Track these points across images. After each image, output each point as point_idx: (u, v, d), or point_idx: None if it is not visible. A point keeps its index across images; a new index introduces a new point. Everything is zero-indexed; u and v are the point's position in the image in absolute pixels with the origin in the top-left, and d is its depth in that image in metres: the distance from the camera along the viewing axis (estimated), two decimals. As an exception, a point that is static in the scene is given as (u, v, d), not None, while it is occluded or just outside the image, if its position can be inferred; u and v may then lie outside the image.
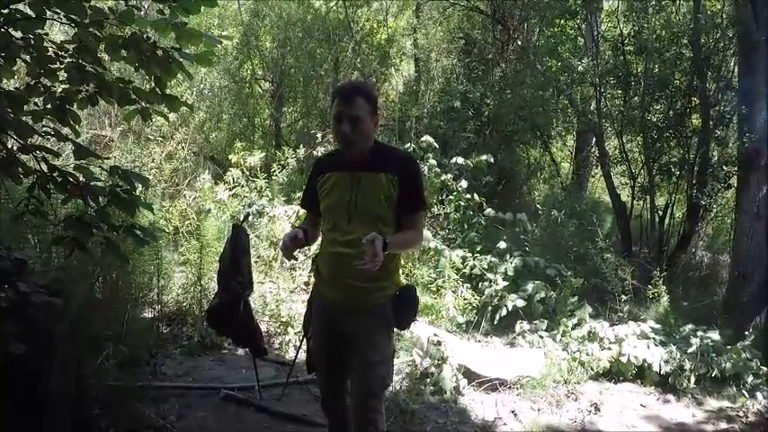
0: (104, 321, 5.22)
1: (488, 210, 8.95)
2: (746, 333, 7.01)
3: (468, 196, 8.87)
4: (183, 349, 6.23)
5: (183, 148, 9.98)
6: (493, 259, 8.05)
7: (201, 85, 12.31)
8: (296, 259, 3.55)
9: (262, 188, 8.81)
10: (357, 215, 3.25)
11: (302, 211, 8.18)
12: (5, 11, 3.48)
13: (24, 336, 3.75)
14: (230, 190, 8.70)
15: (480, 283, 7.85)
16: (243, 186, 8.81)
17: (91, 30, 3.58)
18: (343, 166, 3.33)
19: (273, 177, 9.44)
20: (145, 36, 3.65)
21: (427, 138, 9.27)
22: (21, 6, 3.55)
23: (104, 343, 5.05)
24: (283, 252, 3.36)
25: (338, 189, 3.33)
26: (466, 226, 8.89)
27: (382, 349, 3.40)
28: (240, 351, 6.21)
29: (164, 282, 6.72)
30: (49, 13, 3.54)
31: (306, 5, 14.07)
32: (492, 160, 9.66)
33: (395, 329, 3.55)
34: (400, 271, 3.60)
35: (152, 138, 9.87)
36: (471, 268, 7.96)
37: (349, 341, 3.39)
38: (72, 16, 3.50)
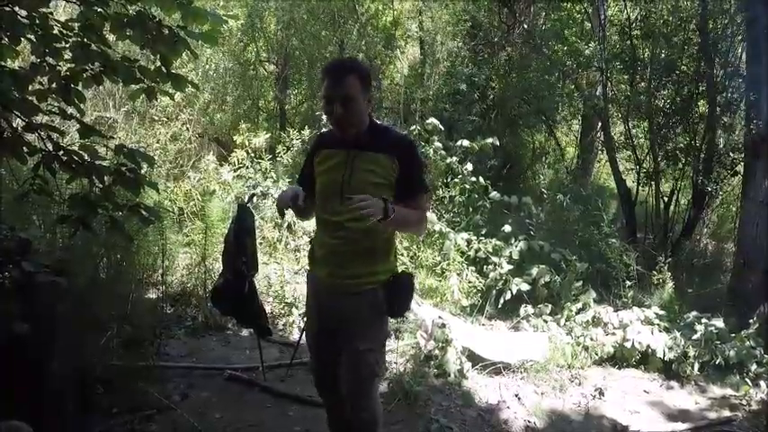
0: (109, 301, 5.22)
1: (494, 193, 8.93)
2: (751, 321, 6.97)
3: (474, 179, 8.84)
4: (187, 330, 6.26)
5: (187, 129, 9.95)
6: (498, 243, 8.02)
7: (206, 66, 12.23)
8: (282, 216, 3.49)
9: (267, 169, 8.78)
10: (350, 195, 3.11)
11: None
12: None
13: (29, 315, 3.73)
14: (235, 171, 8.67)
15: (485, 267, 7.83)
16: (248, 168, 8.78)
17: (96, 8, 3.55)
18: (339, 145, 3.25)
19: (278, 159, 9.42)
20: (150, 15, 3.62)
21: (432, 120, 9.23)
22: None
23: (109, 323, 5.05)
24: (278, 204, 3.27)
25: (333, 168, 3.26)
26: (471, 209, 8.87)
27: (372, 337, 3.35)
28: (244, 332, 6.23)
29: (168, 262, 6.70)
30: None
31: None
32: (497, 144, 9.63)
33: (388, 317, 3.48)
34: (395, 257, 3.52)
35: (157, 119, 9.85)
36: (476, 251, 7.93)
37: (339, 325, 3.35)
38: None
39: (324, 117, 9.26)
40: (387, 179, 3.19)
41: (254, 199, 7.80)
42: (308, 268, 3.65)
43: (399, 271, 3.47)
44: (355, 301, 3.28)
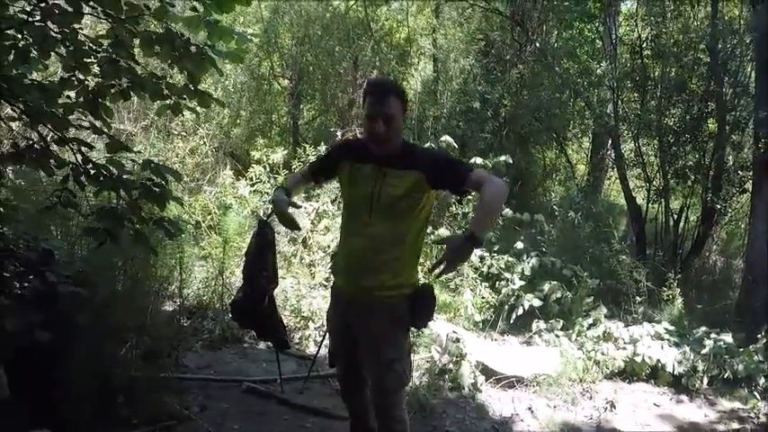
0: (127, 312, 5.27)
1: (506, 210, 9.00)
2: (759, 336, 7.08)
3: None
4: (205, 342, 6.31)
5: (205, 143, 10.05)
6: (510, 259, 8.11)
7: (226, 82, 12.34)
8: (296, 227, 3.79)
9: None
10: (378, 208, 3.28)
11: (321, 209, 8.28)
12: (43, 4, 3.55)
13: (51, 325, 3.79)
14: (251, 186, 8.75)
15: (497, 283, 7.92)
16: (264, 183, 8.85)
17: (126, 26, 3.64)
18: (370, 159, 3.36)
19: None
20: (178, 33, 3.71)
21: (447, 138, 9.30)
22: (59, 1, 3.60)
23: (128, 334, 5.10)
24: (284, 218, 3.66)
25: (363, 181, 3.36)
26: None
27: (398, 347, 3.42)
28: (261, 345, 6.28)
29: (185, 275, 6.76)
30: (85, 8, 3.60)
31: (325, 4, 14.11)
32: (510, 161, 9.71)
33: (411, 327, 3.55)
34: (418, 268, 3.60)
35: (176, 133, 9.95)
36: (489, 267, 8.01)
37: (364, 336, 3.43)
38: (108, 11, 3.56)
39: (340, 134, 9.37)
40: (415, 194, 3.28)
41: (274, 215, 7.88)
42: (333, 279, 3.74)
43: (420, 283, 3.54)
44: (379, 314, 3.36)
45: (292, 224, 3.68)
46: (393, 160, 3.31)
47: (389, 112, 3.22)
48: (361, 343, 3.45)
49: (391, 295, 3.34)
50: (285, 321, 6.46)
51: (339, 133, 10.24)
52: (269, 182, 8.87)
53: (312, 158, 9.58)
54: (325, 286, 7.36)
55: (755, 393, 6.41)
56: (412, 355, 3.75)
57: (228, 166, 9.90)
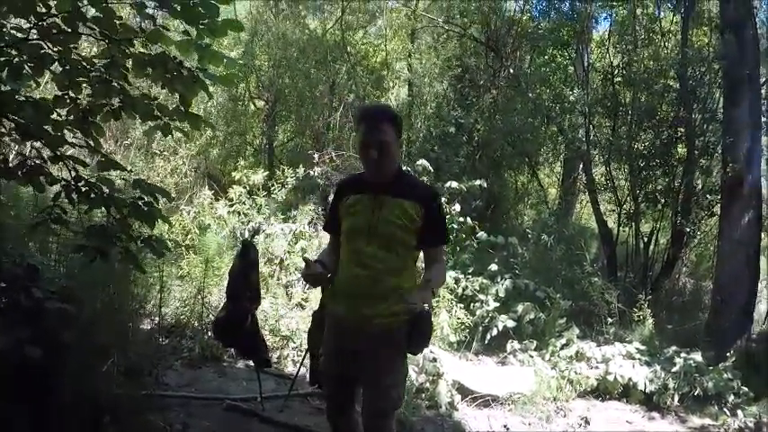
0: (111, 330, 5.27)
1: (481, 233, 9.11)
2: (728, 355, 7.28)
3: (461, 220, 9.03)
4: (184, 360, 6.29)
5: (185, 163, 10.06)
6: (484, 281, 8.22)
7: (208, 103, 12.37)
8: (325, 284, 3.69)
9: (261, 206, 8.89)
10: (377, 238, 3.30)
11: (298, 230, 8.38)
12: (41, 23, 3.61)
13: (38, 341, 3.76)
14: (230, 206, 8.79)
15: (472, 304, 8.01)
16: (243, 203, 8.89)
17: (121, 47, 3.70)
18: (366, 189, 3.39)
19: (272, 195, 9.51)
20: (171, 56, 3.77)
21: (423, 162, 9.43)
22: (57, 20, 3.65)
23: (110, 351, 5.10)
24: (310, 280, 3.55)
25: (360, 211, 3.37)
26: (458, 248, 9.05)
27: (395, 372, 3.43)
28: (240, 363, 6.28)
29: (163, 294, 6.78)
30: (82, 28, 3.66)
31: (302, 27, 14.21)
32: (485, 185, 9.84)
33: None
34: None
35: (157, 153, 9.96)
36: (464, 289, 8.11)
37: (360, 360, 3.40)
38: (104, 32, 3.63)
39: (317, 156, 9.38)
40: (410, 224, 3.31)
41: (257, 236, 7.95)
42: (327, 302, 3.65)
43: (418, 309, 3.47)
44: (378, 340, 3.36)
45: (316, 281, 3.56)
46: (388, 187, 3.34)
47: (383, 139, 3.25)
48: (356, 367, 3.43)
49: (390, 322, 3.32)
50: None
51: (316, 156, 10.31)
52: (246, 202, 8.90)
53: (290, 180, 9.67)
54: (302, 307, 7.41)
55: (725, 410, 6.60)
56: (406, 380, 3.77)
57: (206, 187, 9.91)
